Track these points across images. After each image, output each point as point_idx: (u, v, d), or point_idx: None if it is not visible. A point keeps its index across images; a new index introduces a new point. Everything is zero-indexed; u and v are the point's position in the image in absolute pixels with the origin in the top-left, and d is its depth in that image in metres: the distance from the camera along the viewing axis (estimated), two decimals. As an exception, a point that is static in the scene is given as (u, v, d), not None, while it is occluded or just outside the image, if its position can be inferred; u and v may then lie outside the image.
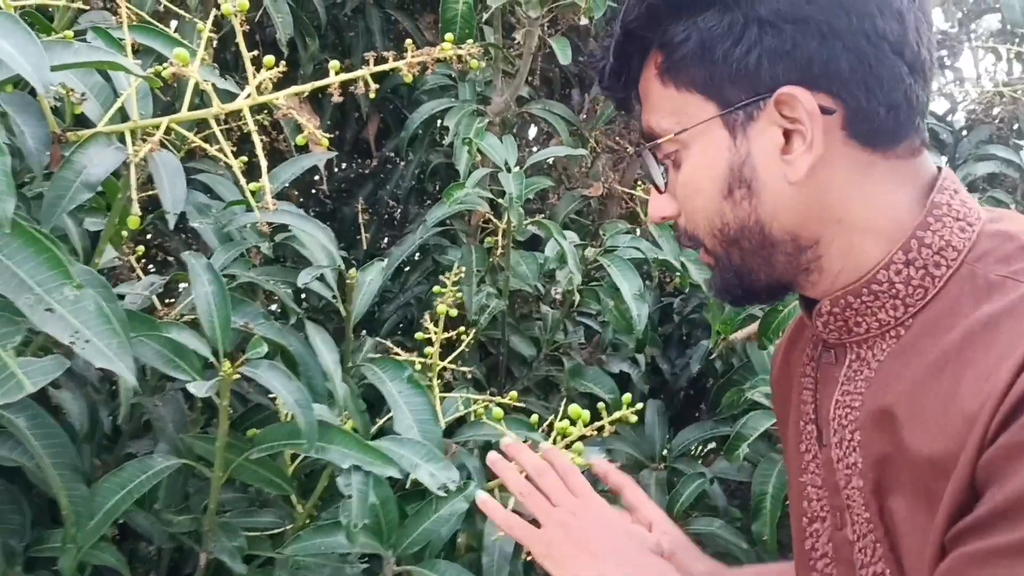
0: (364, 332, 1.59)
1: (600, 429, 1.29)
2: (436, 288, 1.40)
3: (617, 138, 1.93)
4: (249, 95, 0.93)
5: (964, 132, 2.53)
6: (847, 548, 0.77)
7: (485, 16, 1.69)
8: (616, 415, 1.26)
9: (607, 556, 0.85)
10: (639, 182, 1.89)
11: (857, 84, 0.71)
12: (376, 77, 0.94)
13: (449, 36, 0.93)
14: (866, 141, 0.73)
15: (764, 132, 0.72)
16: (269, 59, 0.95)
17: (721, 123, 0.73)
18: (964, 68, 2.71)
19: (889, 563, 0.72)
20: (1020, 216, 0.77)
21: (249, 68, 0.92)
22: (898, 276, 0.73)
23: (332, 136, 2.13)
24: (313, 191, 2.15)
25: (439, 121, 1.94)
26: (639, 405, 1.27)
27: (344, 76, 0.91)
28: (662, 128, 0.76)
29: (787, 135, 0.72)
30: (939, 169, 0.77)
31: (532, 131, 2.37)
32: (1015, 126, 2.36)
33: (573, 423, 1.30)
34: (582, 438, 1.31)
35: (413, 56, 0.91)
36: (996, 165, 2.16)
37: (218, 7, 1.02)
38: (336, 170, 2.19)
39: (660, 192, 0.81)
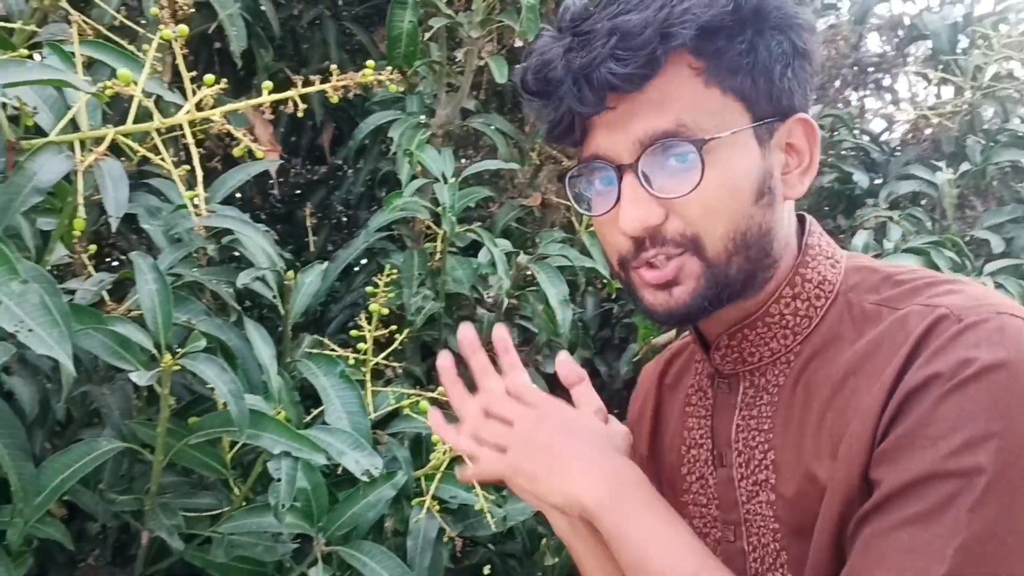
0: (312, 331, 1.68)
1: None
2: (369, 289, 1.50)
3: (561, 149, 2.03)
4: (188, 111, 1.03)
5: (898, 152, 2.66)
6: (740, 559, 0.84)
7: (429, 34, 1.78)
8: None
9: (576, 459, 0.80)
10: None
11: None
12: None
13: (370, 64, 1.03)
14: None
15: (776, 150, 0.80)
16: (209, 78, 1.05)
17: (752, 133, 0.78)
18: (900, 90, 2.82)
19: (792, 568, 0.80)
20: (867, 257, 0.88)
21: (188, 86, 1.02)
22: (787, 308, 0.82)
23: (289, 141, 2.23)
24: (269, 194, 2.24)
25: (387, 131, 2.04)
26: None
27: (294, 92, 1.02)
28: (700, 126, 0.75)
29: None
30: (800, 216, 0.86)
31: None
32: (939, 148, 2.49)
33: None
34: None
35: (338, 80, 1.01)
36: (917, 184, 2.29)
37: (175, 18, 1.11)
38: (291, 174, 2.28)
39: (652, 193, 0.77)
